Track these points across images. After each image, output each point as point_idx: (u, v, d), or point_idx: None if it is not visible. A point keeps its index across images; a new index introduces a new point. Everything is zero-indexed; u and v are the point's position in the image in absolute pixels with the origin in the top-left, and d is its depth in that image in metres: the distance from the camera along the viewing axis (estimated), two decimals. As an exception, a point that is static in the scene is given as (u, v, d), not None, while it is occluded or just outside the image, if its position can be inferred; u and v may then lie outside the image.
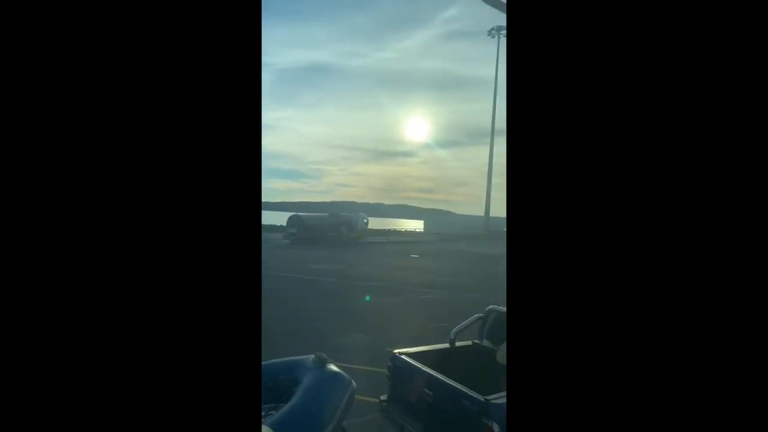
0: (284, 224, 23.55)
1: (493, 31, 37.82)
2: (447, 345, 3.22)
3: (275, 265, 12.22)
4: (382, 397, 3.08)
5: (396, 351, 3.04)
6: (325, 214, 26.41)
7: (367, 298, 8.89)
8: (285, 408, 1.51)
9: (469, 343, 3.32)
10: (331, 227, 24.77)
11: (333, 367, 1.92)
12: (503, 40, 38.91)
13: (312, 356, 1.99)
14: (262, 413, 1.50)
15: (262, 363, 2.11)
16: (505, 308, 3.18)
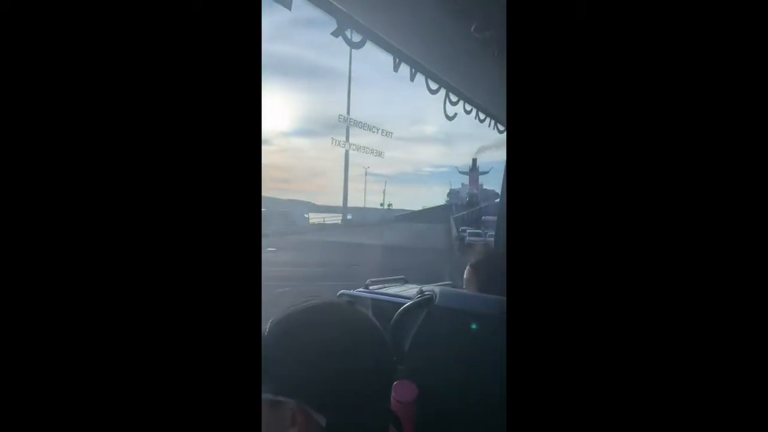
0: None
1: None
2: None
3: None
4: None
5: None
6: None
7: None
8: None
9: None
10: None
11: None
12: (354, 34, 39.94)
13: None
14: None
15: None
16: (354, 291, 3.33)
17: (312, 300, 0.58)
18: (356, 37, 1.33)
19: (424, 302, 1.08)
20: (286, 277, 10.41)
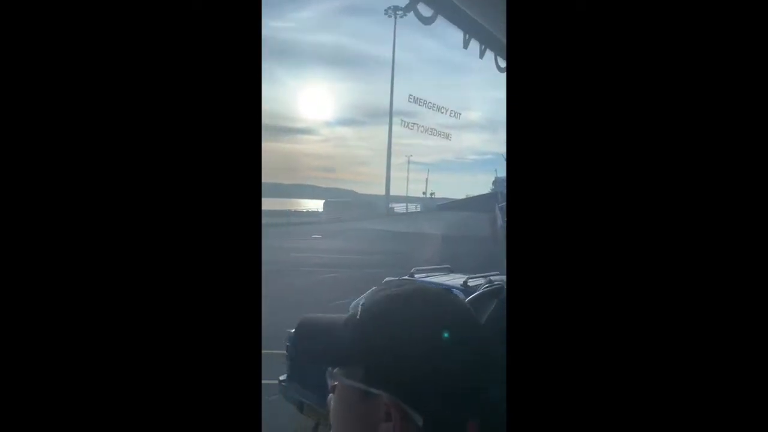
0: None
1: (389, 11, 38.18)
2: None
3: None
4: (282, 378, 3.06)
5: (293, 330, 3.02)
6: None
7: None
8: None
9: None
10: None
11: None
12: (399, 21, 39.60)
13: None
14: None
15: None
16: (399, 278, 3.35)
17: (406, 285, 0.51)
18: (427, 12, 1.26)
19: (496, 292, 1.04)
20: (330, 264, 10.67)
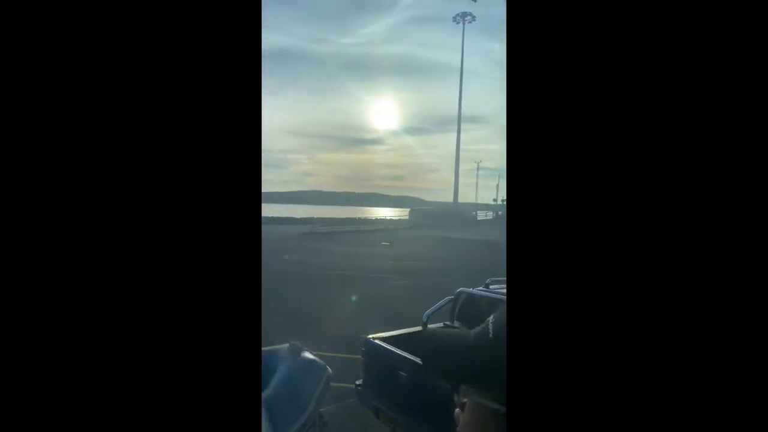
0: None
1: (458, 17, 37.85)
2: (419, 328, 3.30)
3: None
4: (358, 382, 3.13)
5: (369, 336, 3.08)
6: None
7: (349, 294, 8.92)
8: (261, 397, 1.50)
9: (440, 325, 3.41)
10: None
11: (308, 355, 1.93)
12: (468, 27, 39.17)
13: (286, 345, 1.99)
14: None
15: None
16: (473, 289, 3.28)
17: None
18: None
19: None
20: (399, 271, 10.72)
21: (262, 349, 2.07)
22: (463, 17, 36.95)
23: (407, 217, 34.99)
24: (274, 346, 2.08)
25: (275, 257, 12.70)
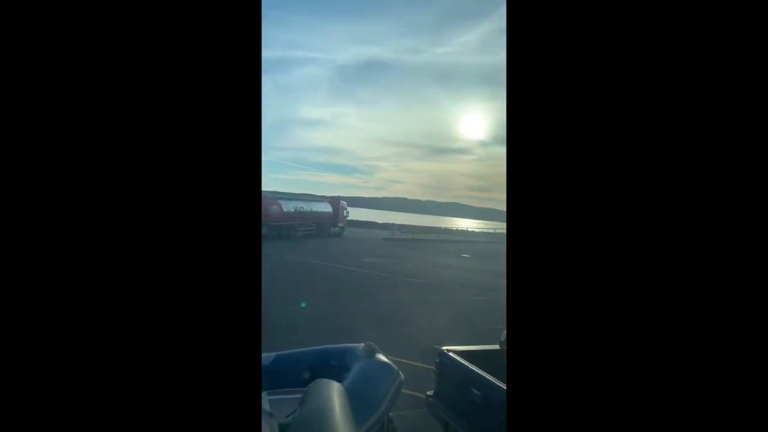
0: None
1: (558, 24, 35.98)
2: (497, 346, 3.16)
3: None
4: (429, 393, 3.08)
5: (444, 348, 3.03)
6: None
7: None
8: (340, 386, 1.56)
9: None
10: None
11: (382, 357, 1.96)
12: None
13: (362, 345, 2.05)
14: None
15: (316, 347, 2.21)
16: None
17: None
18: None
19: None
20: (482, 286, 10.37)
21: (339, 345, 2.16)
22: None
23: (490, 230, 33.79)
24: (350, 344, 2.15)
25: (357, 258, 13.12)
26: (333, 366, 1.99)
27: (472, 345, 3.16)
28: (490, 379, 2.48)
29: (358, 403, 1.54)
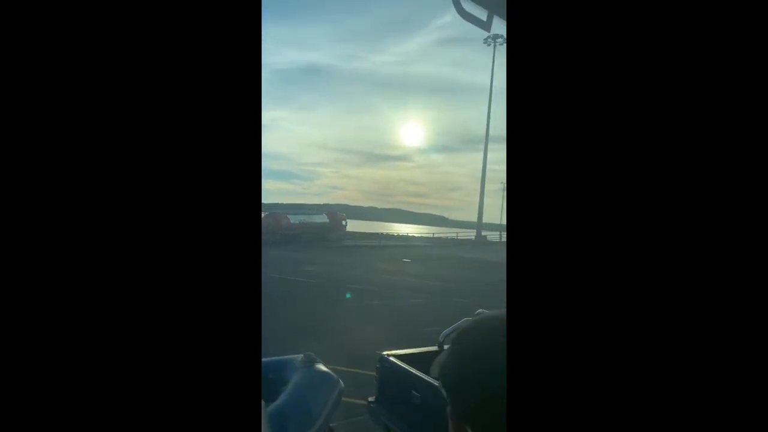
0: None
1: (489, 39, 38.19)
2: (435, 348, 3.25)
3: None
4: (370, 399, 3.09)
5: (385, 353, 3.06)
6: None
7: (348, 295, 8.97)
8: (272, 406, 1.51)
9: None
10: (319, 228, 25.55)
11: (321, 367, 1.93)
12: (499, 48, 39.37)
13: (301, 356, 2.00)
14: None
15: None
16: (493, 311, 3.21)
17: (495, 313, 0.57)
18: (482, 15, 1.10)
19: None
20: (419, 289, 10.62)
21: (277, 358, 2.08)
22: (494, 39, 37.22)
23: (429, 235, 35.45)
24: (288, 356, 2.09)
25: (295, 267, 12.83)
26: (271, 380, 1.92)
27: (413, 348, 3.22)
28: (429, 380, 2.54)
29: (297, 416, 1.50)
